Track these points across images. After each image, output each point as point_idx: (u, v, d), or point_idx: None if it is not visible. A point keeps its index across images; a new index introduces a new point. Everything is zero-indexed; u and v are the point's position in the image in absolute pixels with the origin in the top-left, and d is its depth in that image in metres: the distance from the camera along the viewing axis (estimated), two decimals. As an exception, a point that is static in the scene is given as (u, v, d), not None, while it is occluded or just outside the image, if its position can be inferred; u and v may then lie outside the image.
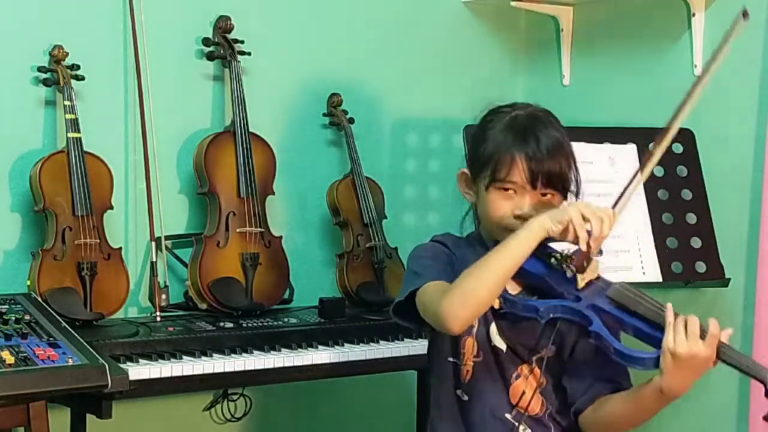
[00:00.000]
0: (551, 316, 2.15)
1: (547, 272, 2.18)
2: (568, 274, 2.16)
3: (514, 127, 2.22)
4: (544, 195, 2.20)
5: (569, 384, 2.27)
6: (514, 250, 2.10)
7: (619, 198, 2.18)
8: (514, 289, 2.24)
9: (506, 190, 2.20)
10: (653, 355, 2.06)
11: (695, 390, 3.43)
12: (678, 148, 3.27)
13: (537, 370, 2.26)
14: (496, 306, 2.19)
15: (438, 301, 2.12)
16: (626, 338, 2.16)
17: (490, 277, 2.10)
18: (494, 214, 2.21)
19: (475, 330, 2.26)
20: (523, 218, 2.17)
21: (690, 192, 3.22)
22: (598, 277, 2.20)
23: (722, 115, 3.37)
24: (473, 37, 3.90)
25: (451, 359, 2.31)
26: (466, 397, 2.28)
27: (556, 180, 2.19)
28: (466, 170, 2.31)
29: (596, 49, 3.75)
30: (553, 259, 2.19)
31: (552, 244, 2.21)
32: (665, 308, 2.08)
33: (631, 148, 3.24)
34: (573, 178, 2.24)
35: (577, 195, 2.26)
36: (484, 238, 2.32)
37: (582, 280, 2.17)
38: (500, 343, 2.26)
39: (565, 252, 2.20)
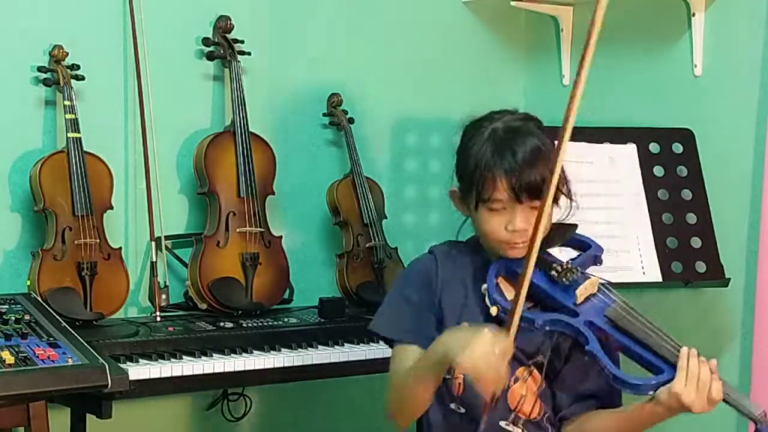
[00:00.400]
0: (547, 328, 2.15)
1: (547, 282, 2.18)
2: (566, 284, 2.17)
3: (491, 144, 2.19)
4: (534, 207, 2.17)
5: (559, 390, 2.27)
6: (428, 374, 2.17)
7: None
8: (513, 293, 2.24)
9: (495, 209, 2.19)
10: (648, 382, 2.07)
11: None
12: (678, 148, 3.27)
13: (536, 374, 2.25)
14: (493, 313, 2.18)
15: (389, 394, 2.26)
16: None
17: (417, 392, 2.20)
18: (487, 231, 2.21)
19: None
20: (516, 232, 2.17)
21: (690, 192, 3.22)
22: (599, 290, 2.19)
23: (722, 115, 3.37)
24: (473, 37, 3.90)
25: None
26: (462, 410, 2.28)
27: (541, 189, 2.15)
28: (456, 188, 2.31)
29: (596, 49, 3.73)
30: (554, 272, 2.18)
31: (554, 253, 2.22)
32: (659, 331, 2.10)
33: (631, 148, 3.23)
34: (561, 180, 2.21)
35: (569, 195, 2.25)
36: (483, 245, 2.33)
37: (581, 296, 2.16)
38: None
39: (566, 264, 2.20)
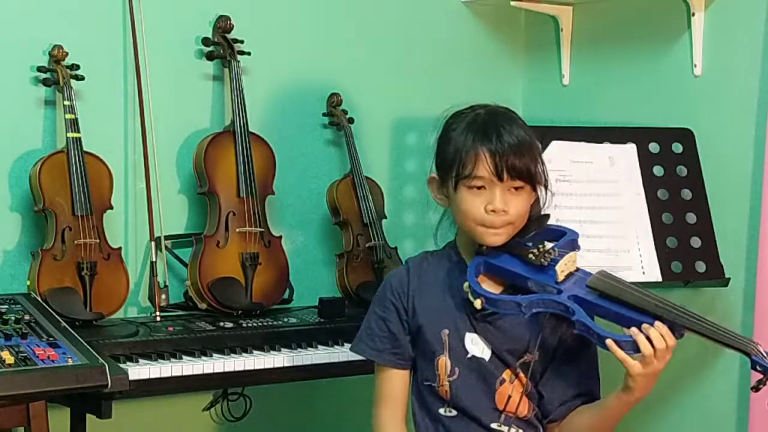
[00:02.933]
0: (534, 310, 2.17)
1: (526, 268, 2.20)
2: (545, 264, 2.19)
3: (475, 125, 2.23)
4: (515, 188, 2.20)
5: (546, 392, 2.29)
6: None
7: None
8: (495, 288, 2.25)
9: (476, 187, 2.20)
10: (630, 338, 2.10)
11: (695, 380, 3.44)
12: (678, 148, 3.28)
13: (522, 375, 2.26)
14: (478, 306, 2.20)
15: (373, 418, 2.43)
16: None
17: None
18: (467, 211, 2.22)
19: (447, 350, 2.27)
20: (495, 212, 2.18)
21: (690, 192, 3.22)
22: (577, 269, 2.22)
23: (722, 114, 3.37)
24: (473, 37, 3.90)
25: (426, 383, 2.33)
26: (453, 412, 2.30)
27: (523, 170, 2.19)
28: (434, 175, 2.32)
29: (596, 49, 3.74)
30: (531, 255, 2.20)
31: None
32: (640, 290, 2.14)
33: (631, 148, 3.23)
34: (540, 172, 2.24)
35: (546, 188, 2.27)
36: (459, 245, 2.33)
37: (561, 273, 2.19)
38: (481, 353, 2.27)
39: (542, 247, 2.22)
